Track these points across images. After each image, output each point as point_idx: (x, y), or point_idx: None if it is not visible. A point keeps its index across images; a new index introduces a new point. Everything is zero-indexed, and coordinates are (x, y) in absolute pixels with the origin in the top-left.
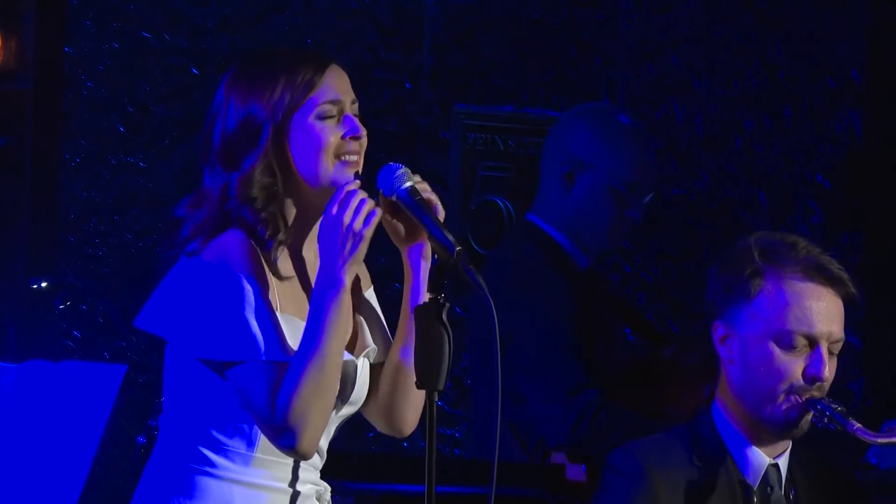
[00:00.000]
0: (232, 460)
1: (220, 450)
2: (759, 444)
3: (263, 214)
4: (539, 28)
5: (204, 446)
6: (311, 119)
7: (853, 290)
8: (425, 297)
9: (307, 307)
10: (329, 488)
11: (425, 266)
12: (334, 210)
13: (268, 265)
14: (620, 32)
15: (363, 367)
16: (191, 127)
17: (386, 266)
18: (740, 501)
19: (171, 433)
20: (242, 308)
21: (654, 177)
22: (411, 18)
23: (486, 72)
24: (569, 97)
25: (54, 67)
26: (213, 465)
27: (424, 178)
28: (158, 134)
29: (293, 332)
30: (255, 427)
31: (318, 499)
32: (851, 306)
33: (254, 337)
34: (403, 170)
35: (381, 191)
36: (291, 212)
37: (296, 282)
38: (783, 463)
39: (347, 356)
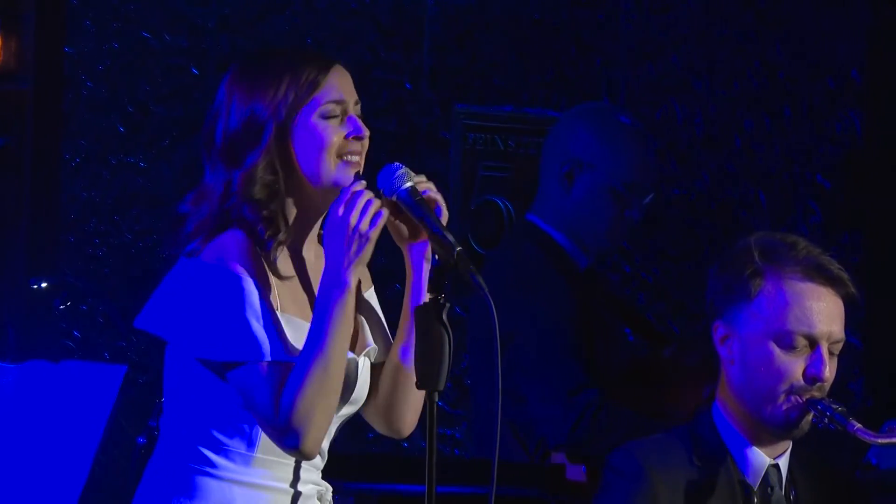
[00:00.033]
0: (232, 460)
1: (221, 450)
2: (760, 444)
3: (265, 213)
4: (539, 28)
5: (204, 446)
6: (315, 118)
7: (853, 290)
8: (426, 297)
9: (307, 307)
10: (330, 488)
11: (427, 266)
12: (340, 211)
13: (267, 265)
14: (620, 32)
15: (364, 365)
16: (191, 127)
17: (386, 266)
18: (740, 502)
19: (171, 433)
20: (243, 308)
21: (654, 177)
22: (411, 18)
23: (486, 72)
24: (569, 97)
25: (54, 67)
26: (213, 465)
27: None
28: (158, 134)
29: (294, 332)
30: (256, 427)
31: (319, 499)
32: (851, 306)
33: (255, 337)
34: (403, 170)
35: (381, 191)
36: (292, 211)
37: (296, 281)
38: (783, 463)
39: (349, 354)
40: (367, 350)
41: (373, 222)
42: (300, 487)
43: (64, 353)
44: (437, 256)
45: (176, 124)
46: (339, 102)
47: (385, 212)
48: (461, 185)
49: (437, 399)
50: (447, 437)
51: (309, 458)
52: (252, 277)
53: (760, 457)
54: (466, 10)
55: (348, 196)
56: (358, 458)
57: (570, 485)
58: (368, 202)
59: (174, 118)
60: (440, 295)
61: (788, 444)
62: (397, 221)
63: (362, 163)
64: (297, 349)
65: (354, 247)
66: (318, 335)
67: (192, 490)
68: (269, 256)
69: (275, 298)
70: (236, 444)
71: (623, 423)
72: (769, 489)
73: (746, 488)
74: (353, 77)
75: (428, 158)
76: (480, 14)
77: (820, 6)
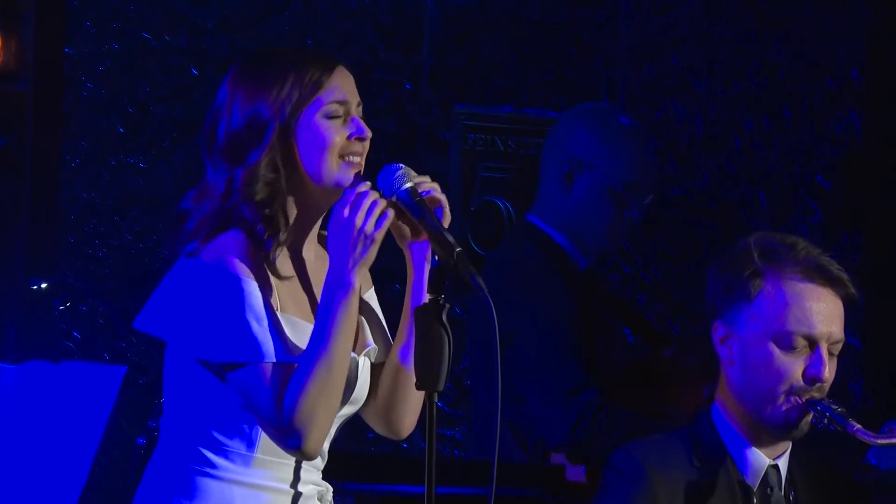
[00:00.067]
0: (232, 461)
1: (221, 450)
2: (759, 444)
3: (266, 212)
4: (539, 28)
5: (204, 447)
6: (318, 118)
7: (853, 290)
8: (426, 297)
9: (308, 307)
10: (331, 489)
11: (428, 266)
12: (346, 212)
13: (267, 265)
14: (620, 32)
15: (364, 365)
16: (191, 128)
17: (386, 266)
18: (740, 502)
19: (171, 434)
20: (243, 309)
21: (653, 177)
22: (411, 18)
23: (486, 72)
24: (569, 97)
25: (54, 68)
26: (213, 465)
27: None
28: (158, 135)
29: (294, 333)
30: (256, 427)
31: (319, 499)
32: (851, 307)
33: (255, 338)
34: (403, 170)
35: (381, 191)
36: (293, 210)
37: (296, 282)
38: (783, 464)
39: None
40: (367, 350)
41: (378, 223)
42: (300, 488)
43: (64, 354)
44: (436, 257)
45: (176, 125)
46: (342, 103)
47: (391, 213)
48: (461, 186)
49: (436, 400)
50: (447, 438)
51: (311, 458)
52: (252, 278)
53: (760, 457)
54: (466, 10)
55: (353, 197)
56: (358, 459)
57: (570, 485)
58: (374, 203)
59: (174, 119)
60: (440, 295)
61: (788, 445)
62: (399, 221)
63: (363, 164)
64: (297, 350)
65: (359, 248)
66: (321, 336)
67: (192, 491)
68: (268, 256)
69: (275, 299)
70: (236, 445)
71: (623, 424)
72: (769, 490)
73: (746, 489)
74: (353, 78)
75: (428, 159)
76: (480, 14)
77: (820, 6)
